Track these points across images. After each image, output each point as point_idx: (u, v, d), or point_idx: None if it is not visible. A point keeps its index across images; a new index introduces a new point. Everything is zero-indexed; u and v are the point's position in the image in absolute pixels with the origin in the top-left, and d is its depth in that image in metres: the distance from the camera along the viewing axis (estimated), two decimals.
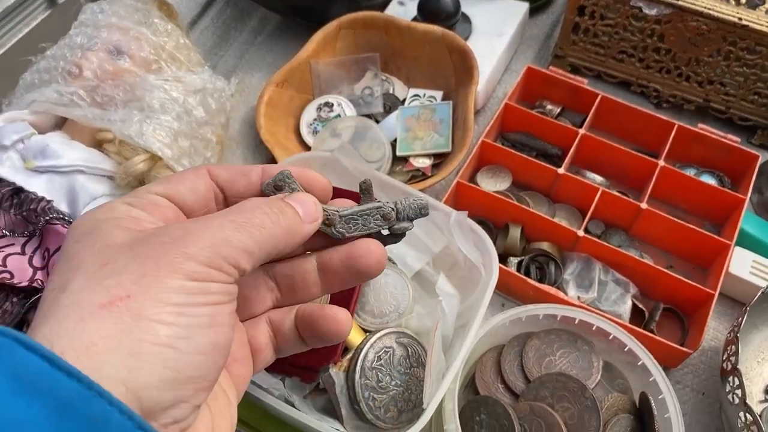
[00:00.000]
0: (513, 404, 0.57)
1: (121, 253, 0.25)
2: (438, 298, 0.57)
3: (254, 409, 0.52)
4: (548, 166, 0.70)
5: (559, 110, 0.78)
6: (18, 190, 0.58)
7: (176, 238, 0.26)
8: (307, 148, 0.77)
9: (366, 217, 0.34)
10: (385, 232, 0.35)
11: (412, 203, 0.35)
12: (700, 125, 0.74)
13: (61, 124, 0.66)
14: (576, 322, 0.60)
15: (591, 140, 0.72)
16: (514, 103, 0.77)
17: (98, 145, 0.63)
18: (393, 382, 0.54)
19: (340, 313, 0.33)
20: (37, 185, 0.59)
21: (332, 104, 0.78)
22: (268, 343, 0.34)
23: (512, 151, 0.71)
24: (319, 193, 0.34)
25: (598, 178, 0.73)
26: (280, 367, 0.49)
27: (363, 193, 0.35)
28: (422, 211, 0.35)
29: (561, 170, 0.69)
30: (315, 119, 0.78)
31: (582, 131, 0.72)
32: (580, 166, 0.74)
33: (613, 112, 0.75)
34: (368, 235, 0.34)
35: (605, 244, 0.66)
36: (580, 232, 0.66)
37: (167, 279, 0.24)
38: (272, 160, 0.76)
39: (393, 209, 0.34)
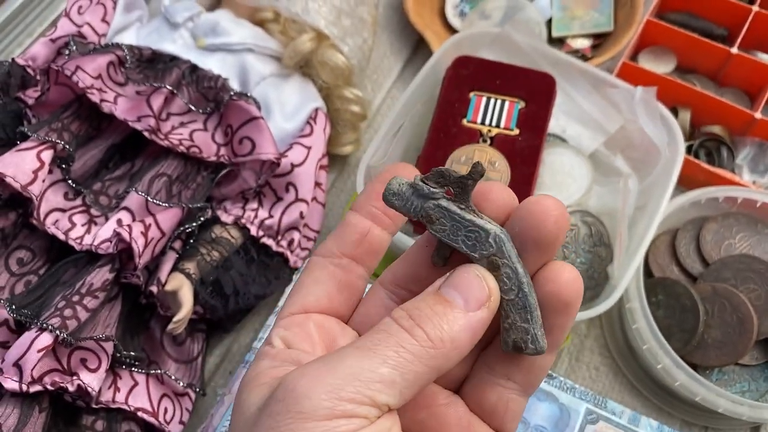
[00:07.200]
0: (692, 285, 0.56)
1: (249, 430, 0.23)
2: (622, 177, 0.55)
3: None
4: (719, 45, 0.66)
5: None
6: (194, 68, 0.58)
7: (289, 397, 0.21)
8: (454, 31, 0.74)
9: (458, 224, 0.24)
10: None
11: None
12: None
13: (217, 3, 0.66)
14: (758, 205, 0.58)
15: (766, 18, 0.67)
16: None
17: (258, 24, 0.63)
18: (578, 260, 0.54)
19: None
20: (210, 64, 0.59)
21: None
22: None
23: (679, 29, 0.67)
24: (501, 214, 0.24)
25: None
26: None
27: (459, 186, 0.24)
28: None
29: (734, 50, 0.65)
30: (462, 0, 0.75)
31: (755, 8, 0.68)
32: (750, 47, 0.70)
33: None
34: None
35: None
36: (758, 114, 0.62)
37: None
38: (419, 45, 0.75)
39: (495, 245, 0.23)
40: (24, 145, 0.50)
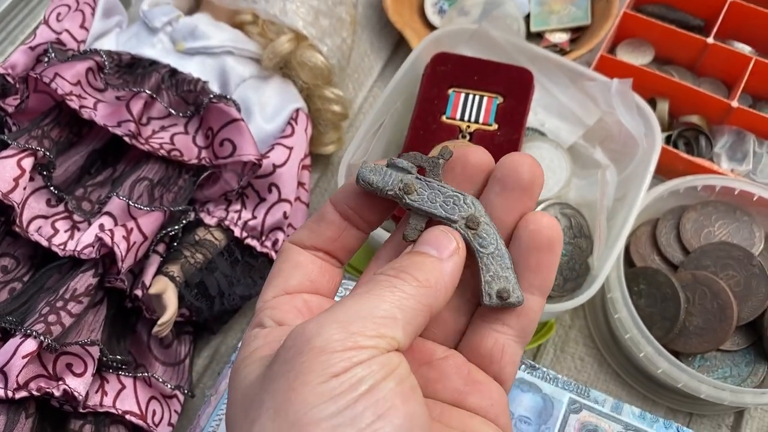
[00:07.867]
0: (672, 274, 0.57)
1: (256, 392, 0.23)
2: (600, 168, 0.56)
3: None
4: (696, 36, 0.67)
5: None
6: (173, 72, 0.58)
7: (299, 342, 0.22)
8: (433, 29, 0.74)
9: (436, 192, 0.26)
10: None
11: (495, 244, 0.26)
12: None
13: (195, 7, 0.66)
14: (736, 192, 0.58)
15: (740, 8, 0.68)
16: None
17: (238, 27, 0.63)
18: None
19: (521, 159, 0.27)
20: (190, 67, 0.59)
21: None
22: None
23: (657, 21, 0.68)
24: (478, 179, 0.27)
25: (747, 48, 0.69)
26: None
27: (431, 165, 0.27)
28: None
29: (710, 39, 0.66)
30: None
31: None
32: (726, 37, 0.70)
33: None
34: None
35: (760, 114, 0.63)
36: (735, 103, 0.63)
37: (304, 395, 0.20)
38: (400, 43, 0.75)
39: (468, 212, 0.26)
40: (4, 153, 0.50)
